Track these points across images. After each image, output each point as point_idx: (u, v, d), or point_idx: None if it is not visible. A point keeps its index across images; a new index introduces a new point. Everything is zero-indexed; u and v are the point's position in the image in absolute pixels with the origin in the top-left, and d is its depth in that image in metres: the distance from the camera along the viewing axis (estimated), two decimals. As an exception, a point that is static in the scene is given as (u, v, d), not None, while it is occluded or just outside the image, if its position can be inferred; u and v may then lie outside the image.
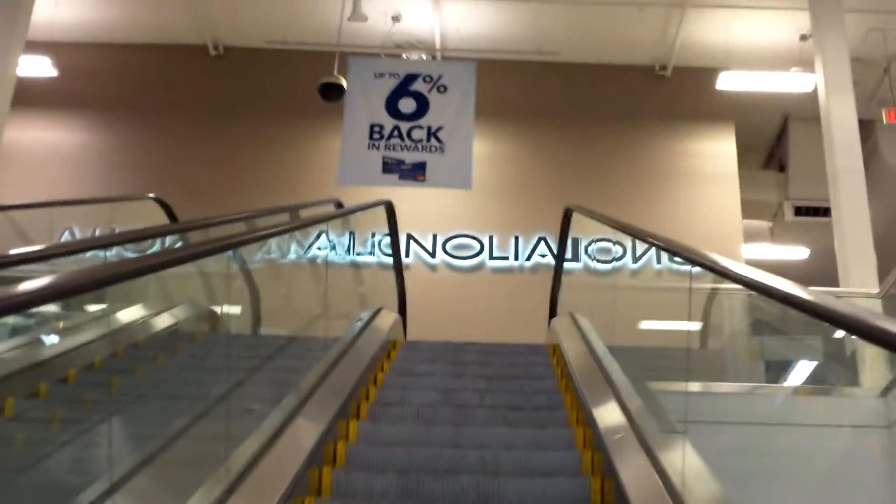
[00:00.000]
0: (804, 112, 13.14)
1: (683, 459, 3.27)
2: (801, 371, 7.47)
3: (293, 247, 6.34)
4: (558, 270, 8.03)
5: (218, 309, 6.81)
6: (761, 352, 7.64)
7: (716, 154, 12.64)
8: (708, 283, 7.69)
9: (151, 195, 7.92)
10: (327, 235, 8.93)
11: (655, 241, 5.26)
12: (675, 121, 12.80)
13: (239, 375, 4.19)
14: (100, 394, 4.33)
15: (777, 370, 7.48)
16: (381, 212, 8.03)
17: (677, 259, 9.86)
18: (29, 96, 11.66)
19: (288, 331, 6.11)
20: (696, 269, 3.82)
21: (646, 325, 7.29)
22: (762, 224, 14.30)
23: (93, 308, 5.63)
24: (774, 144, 14.55)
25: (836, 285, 9.74)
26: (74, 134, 12.75)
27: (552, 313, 7.70)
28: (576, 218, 7.88)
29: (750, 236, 13.13)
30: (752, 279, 2.80)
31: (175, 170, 12.20)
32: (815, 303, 2.32)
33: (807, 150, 13.44)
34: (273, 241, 6.41)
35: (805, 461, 5.36)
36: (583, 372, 5.08)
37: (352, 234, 11.06)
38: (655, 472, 3.26)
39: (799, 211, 13.39)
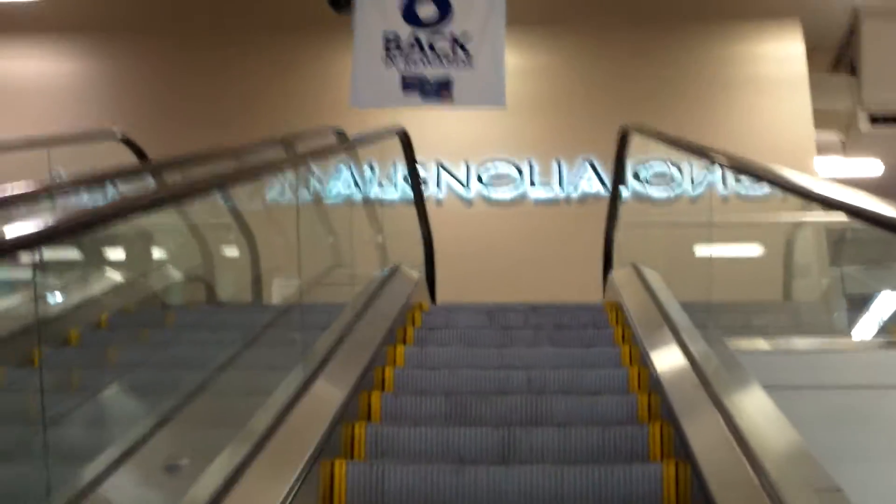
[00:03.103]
0: (878, 4, 11.72)
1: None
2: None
3: (286, 188, 5.12)
4: (614, 206, 6.70)
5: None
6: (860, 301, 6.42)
7: (781, 57, 11.21)
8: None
9: (115, 131, 6.63)
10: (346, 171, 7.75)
11: (748, 168, 4.11)
12: (734, 20, 11.31)
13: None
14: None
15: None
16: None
17: (744, 181, 8.58)
18: (9, 21, 10.70)
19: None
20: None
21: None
22: (831, 136, 12.81)
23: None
24: (843, 44, 12.98)
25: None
26: (63, 63, 11.55)
27: (607, 261, 6.41)
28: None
29: (818, 149, 11.73)
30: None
31: (171, 100, 11.04)
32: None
33: (883, 49, 12.02)
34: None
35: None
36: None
37: (371, 167, 9.87)
38: None
39: (876, 119, 11.91)
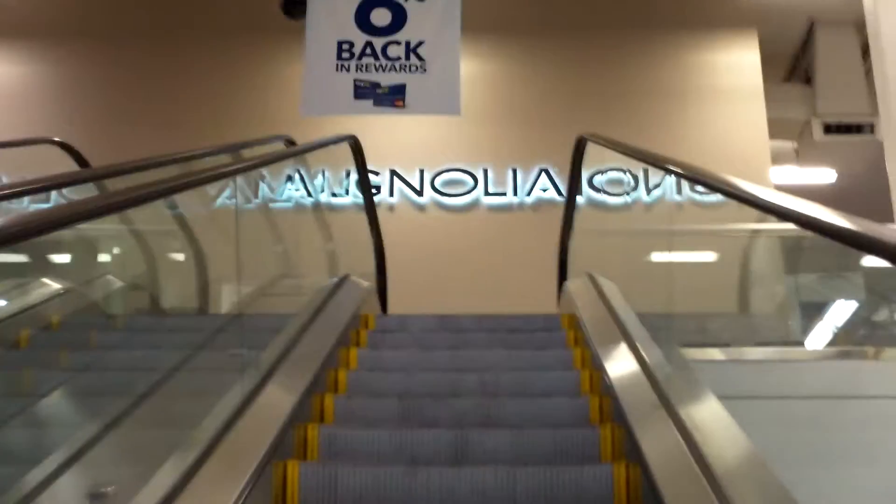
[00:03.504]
0: (834, 15, 11.76)
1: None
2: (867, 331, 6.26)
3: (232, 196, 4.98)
4: (569, 215, 6.60)
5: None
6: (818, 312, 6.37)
7: (736, 66, 11.20)
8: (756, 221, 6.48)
9: (55, 138, 6.45)
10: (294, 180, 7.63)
11: (700, 178, 4.02)
12: (690, 29, 11.32)
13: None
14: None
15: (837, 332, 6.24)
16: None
17: (699, 189, 8.57)
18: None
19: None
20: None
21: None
22: (786, 144, 12.86)
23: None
24: (798, 54, 13.05)
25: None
26: (8, 66, 11.28)
27: (562, 270, 6.32)
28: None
29: (773, 158, 11.76)
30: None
31: (119, 105, 10.80)
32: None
33: (838, 58, 12.10)
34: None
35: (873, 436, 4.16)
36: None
37: (323, 174, 9.74)
38: None
39: (829, 129, 11.95)
